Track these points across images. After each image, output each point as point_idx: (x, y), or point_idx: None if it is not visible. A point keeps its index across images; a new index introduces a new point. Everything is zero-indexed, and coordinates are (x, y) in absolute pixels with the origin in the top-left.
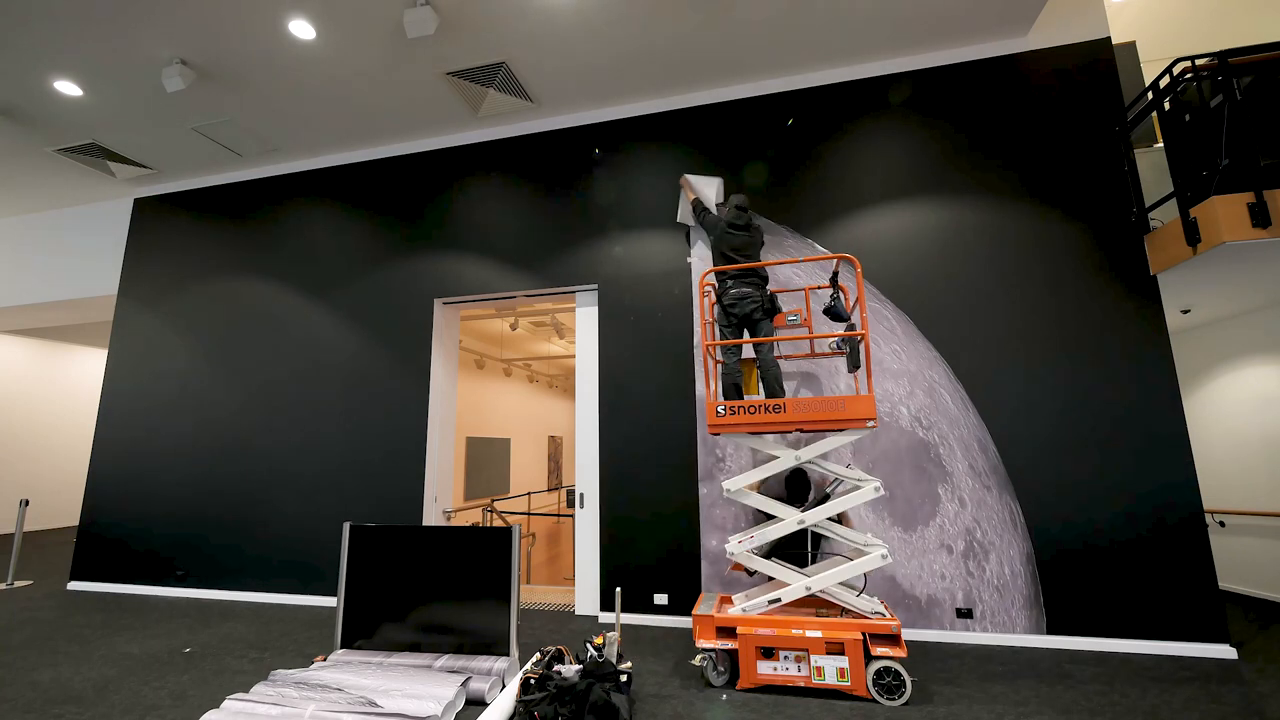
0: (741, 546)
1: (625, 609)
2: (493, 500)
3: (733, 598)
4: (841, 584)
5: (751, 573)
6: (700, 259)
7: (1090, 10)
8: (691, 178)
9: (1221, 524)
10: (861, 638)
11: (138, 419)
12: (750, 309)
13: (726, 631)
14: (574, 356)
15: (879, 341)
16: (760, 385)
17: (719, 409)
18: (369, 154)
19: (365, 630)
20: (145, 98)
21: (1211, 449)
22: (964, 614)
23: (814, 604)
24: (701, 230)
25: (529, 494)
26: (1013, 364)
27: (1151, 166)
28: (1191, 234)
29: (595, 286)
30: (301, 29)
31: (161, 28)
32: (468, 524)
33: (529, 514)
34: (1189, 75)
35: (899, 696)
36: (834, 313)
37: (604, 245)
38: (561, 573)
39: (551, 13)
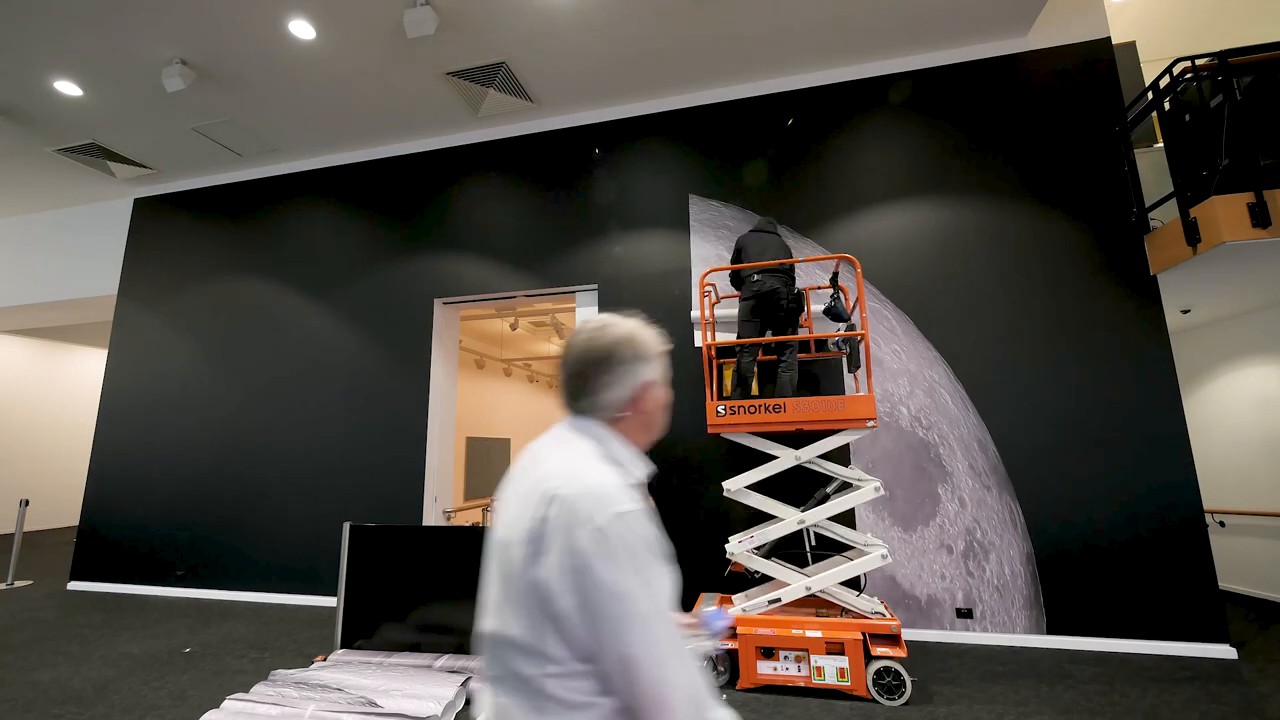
0: (741, 547)
1: None
2: (493, 500)
3: (733, 598)
4: (841, 583)
5: (753, 574)
6: (700, 259)
7: (1090, 10)
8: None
9: (1221, 524)
10: (861, 638)
11: (138, 419)
12: (781, 300)
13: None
14: None
15: (879, 341)
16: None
17: (718, 409)
18: (369, 154)
19: (365, 630)
20: (145, 98)
21: (1211, 449)
22: (964, 614)
23: (814, 604)
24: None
25: None
26: (1013, 364)
27: (1151, 166)
28: (1191, 234)
29: (595, 286)
30: (301, 29)
31: (161, 28)
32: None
33: None
34: (1189, 75)
35: (899, 696)
36: (834, 313)
37: (604, 245)
38: None
39: (551, 13)
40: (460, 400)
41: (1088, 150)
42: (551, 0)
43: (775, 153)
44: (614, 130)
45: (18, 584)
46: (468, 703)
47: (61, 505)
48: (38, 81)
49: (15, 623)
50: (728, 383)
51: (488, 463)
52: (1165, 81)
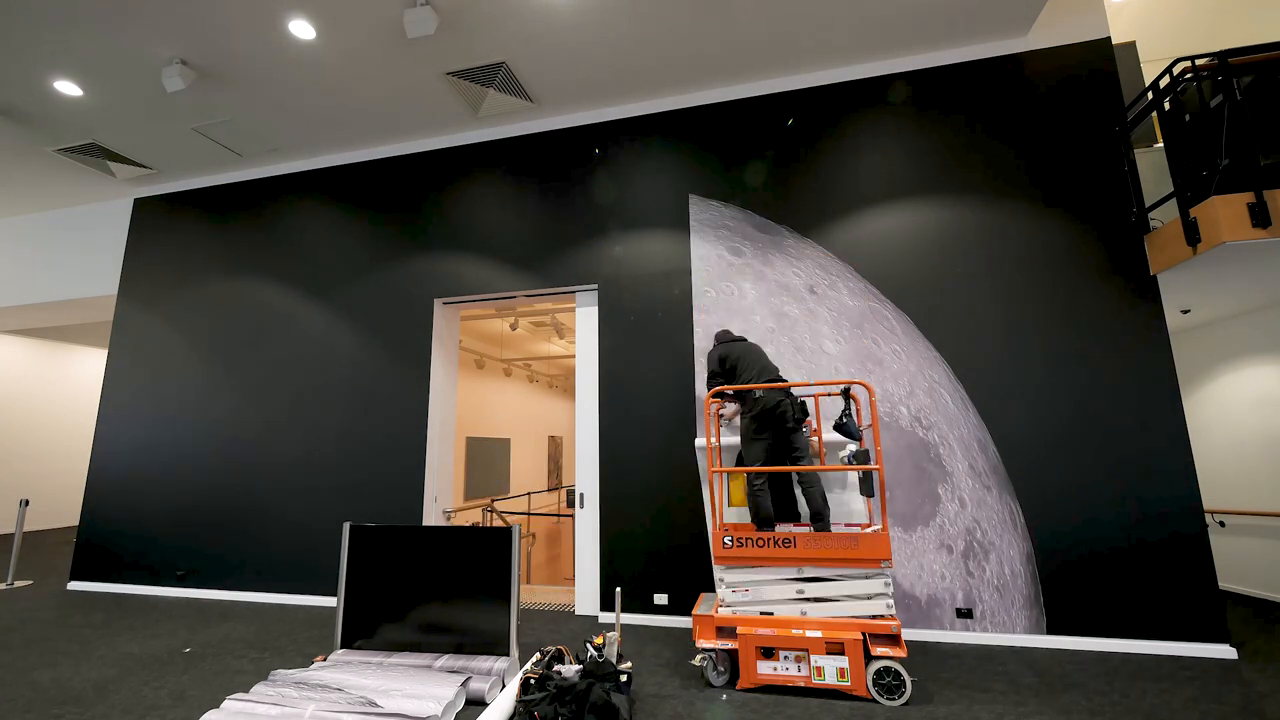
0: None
1: (625, 609)
2: (493, 500)
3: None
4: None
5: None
6: (700, 258)
7: (1090, 10)
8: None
9: (1221, 524)
10: (861, 638)
11: (138, 419)
12: (788, 413)
13: (727, 631)
14: (574, 356)
15: (879, 341)
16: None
17: (724, 539)
18: (369, 154)
19: (365, 630)
20: (145, 98)
21: (1211, 449)
22: (964, 614)
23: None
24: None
25: (529, 494)
26: (1013, 364)
27: (1151, 166)
28: (1191, 234)
29: (595, 286)
30: (301, 29)
31: (161, 28)
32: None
33: (529, 514)
34: (1189, 75)
35: (899, 696)
36: (845, 430)
37: (604, 245)
38: (561, 573)
39: (551, 13)
40: (460, 400)
41: (1088, 150)
42: (551, 0)
43: (775, 153)
44: (614, 130)
45: (18, 584)
46: (468, 703)
47: (61, 505)
48: (38, 81)
49: (15, 623)
50: (733, 494)
51: (488, 463)
52: (1165, 81)
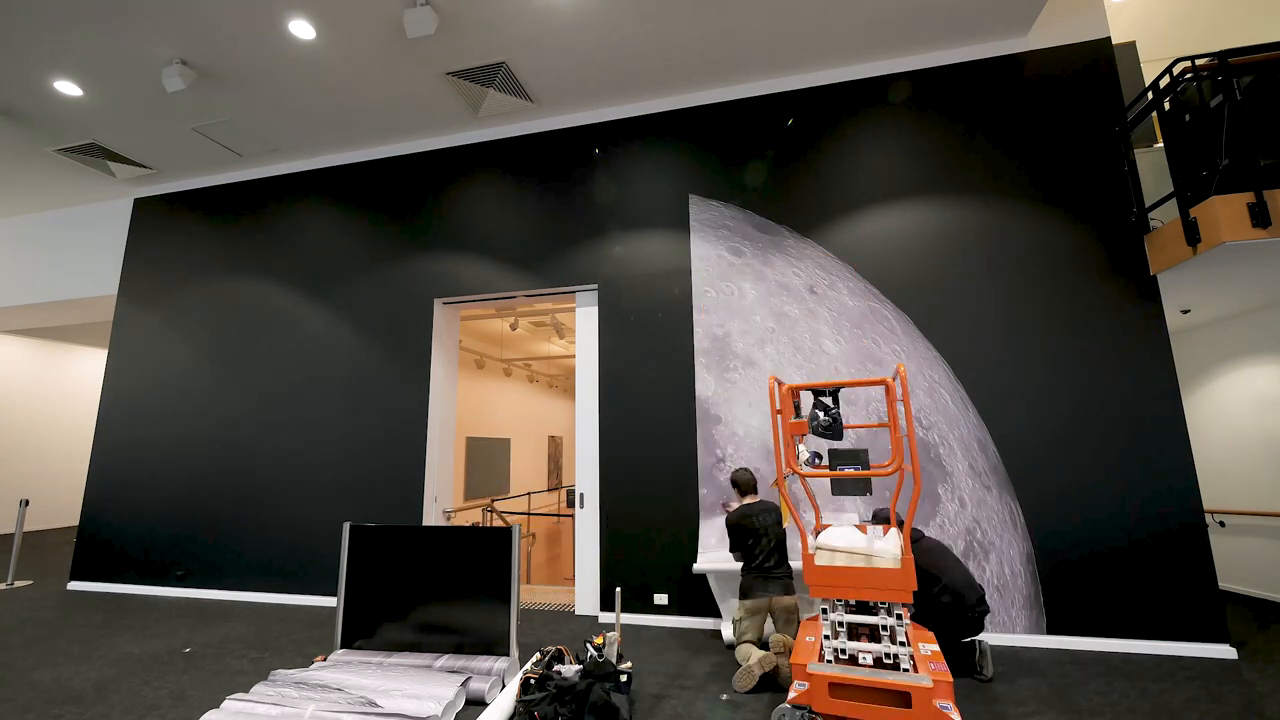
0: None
1: (625, 609)
2: (493, 500)
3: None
4: None
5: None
6: (700, 258)
7: (1090, 10)
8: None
9: (1221, 524)
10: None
11: (138, 419)
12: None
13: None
14: (574, 356)
15: (879, 341)
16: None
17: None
18: (369, 154)
19: (365, 630)
20: (145, 98)
21: (1211, 449)
22: None
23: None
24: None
25: (529, 494)
26: (1013, 364)
27: (1151, 166)
28: (1191, 234)
29: (595, 286)
30: (301, 29)
31: (161, 28)
32: (468, 524)
33: (529, 514)
34: (1189, 75)
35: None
36: (831, 431)
37: (604, 245)
38: (561, 573)
39: (551, 13)
40: (460, 400)
41: (1088, 150)
42: (551, 0)
43: (775, 153)
44: (614, 130)
45: (18, 584)
46: (468, 703)
47: (61, 505)
48: (38, 81)
49: (15, 623)
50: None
51: (488, 463)
52: (1165, 81)
